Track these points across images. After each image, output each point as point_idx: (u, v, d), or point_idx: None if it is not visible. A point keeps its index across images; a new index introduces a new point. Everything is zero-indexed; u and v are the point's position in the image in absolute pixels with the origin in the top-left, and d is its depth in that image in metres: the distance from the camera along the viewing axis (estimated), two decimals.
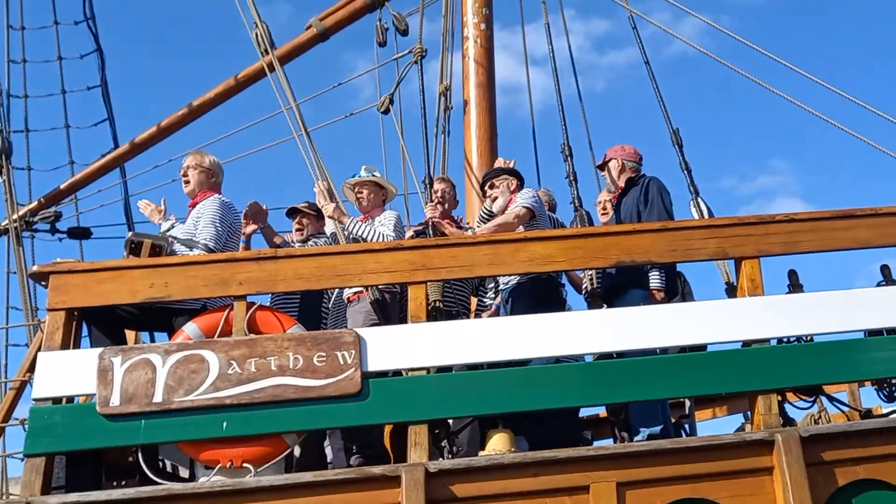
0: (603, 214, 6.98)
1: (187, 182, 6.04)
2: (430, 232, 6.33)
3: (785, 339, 4.90)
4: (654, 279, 5.93)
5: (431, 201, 6.70)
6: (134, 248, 5.36)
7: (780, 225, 5.07)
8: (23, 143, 9.58)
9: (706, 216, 6.65)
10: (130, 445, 4.70)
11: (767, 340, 4.84)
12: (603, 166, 6.64)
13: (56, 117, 10.14)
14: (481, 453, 5.13)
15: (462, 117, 8.99)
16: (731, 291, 6.28)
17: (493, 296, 6.76)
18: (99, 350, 4.69)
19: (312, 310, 6.53)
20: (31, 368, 4.98)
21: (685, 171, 7.01)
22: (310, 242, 6.94)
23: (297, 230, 7.14)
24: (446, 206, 6.89)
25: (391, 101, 8.49)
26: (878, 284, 5.24)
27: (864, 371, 4.98)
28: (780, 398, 4.82)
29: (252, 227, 6.79)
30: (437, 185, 6.96)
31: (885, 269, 5.31)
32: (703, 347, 5.21)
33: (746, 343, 4.86)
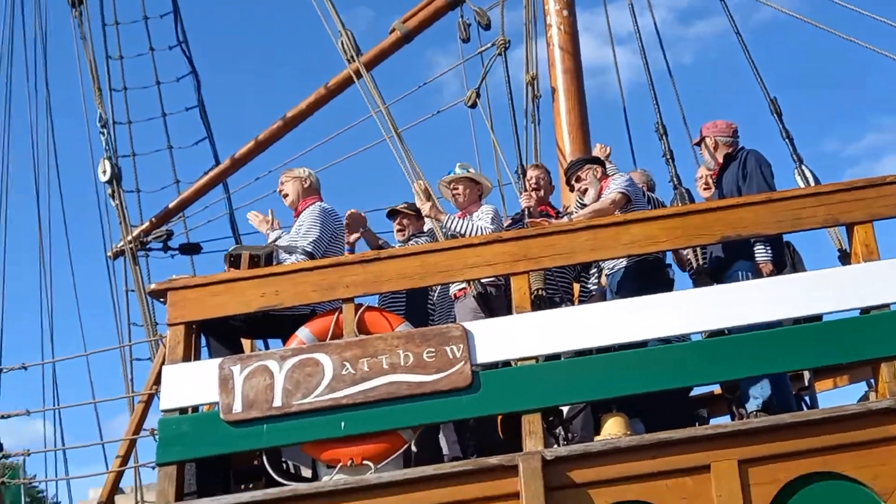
0: (705, 190, 6.84)
1: (286, 196, 6.27)
2: (527, 221, 6.33)
3: None
4: (760, 252, 5.78)
5: (526, 190, 6.69)
6: (233, 262, 5.53)
7: (893, 187, 4.89)
8: (130, 167, 9.96)
9: (812, 184, 6.45)
10: (254, 449, 4.87)
11: (887, 306, 4.68)
12: (700, 143, 6.52)
13: (159, 139, 10.48)
14: (597, 438, 5.12)
15: (551, 105, 8.94)
16: (845, 258, 6.07)
17: (595, 281, 6.70)
18: (219, 360, 4.87)
19: (418, 307, 6.59)
20: (157, 381, 5.22)
21: (786, 140, 6.81)
22: (411, 242, 7.03)
23: (399, 231, 7.23)
24: (542, 192, 6.87)
25: (478, 95, 8.50)
26: None
27: None
28: None
29: (354, 235, 6.92)
30: (531, 173, 6.95)
31: None
32: (818, 318, 5.06)
33: (865, 310, 4.70)
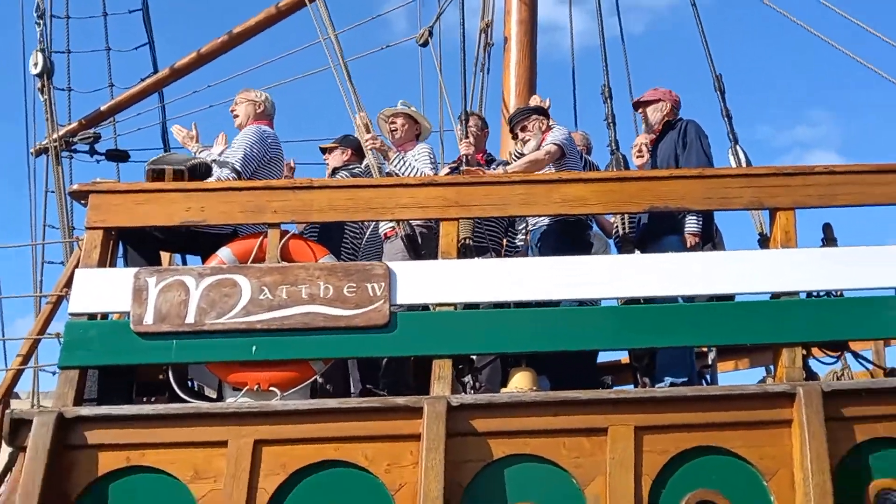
0: (638, 157, 6.93)
1: (236, 116, 6.19)
2: (463, 169, 6.32)
3: (814, 294, 4.87)
4: (691, 223, 5.90)
5: (466, 137, 6.68)
6: (156, 176, 5.38)
7: (819, 177, 5.02)
8: (64, 64, 9.62)
9: (744, 165, 6.56)
10: (162, 364, 4.82)
11: (797, 293, 4.82)
12: (639, 105, 6.56)
13: (97, 39, 10.16)
14: (503, 390, 5.21)
15: (502, 55, 8.90)
16: (764, 242, 6.23)
17: (522, 238, 6.76)
18: (135, 270, 4.79)
19: (332, 241, 6.44)
20: (68, 284, 5.10)
21: (725, 119, 6.89)
22: (337, 175, 6.94)
23: (329, 163, 7.13)
24: (472, 141, 6.86)
25: (430, 35, 8.42)
26: None
27: (892, 330, 4.95)
28: (804, 352, 4.80)
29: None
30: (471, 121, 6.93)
31: None
32: (731, 297, 5.20)
33: (775, 295, 4.84)
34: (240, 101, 6.20)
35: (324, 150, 7.23)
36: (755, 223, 6.67)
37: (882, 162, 5.09)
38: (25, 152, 9.29)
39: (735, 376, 7.49)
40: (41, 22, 8.60)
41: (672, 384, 5.35)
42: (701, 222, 5.91)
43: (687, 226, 5.92)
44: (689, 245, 5.86)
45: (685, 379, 5.50)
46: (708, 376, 6.54)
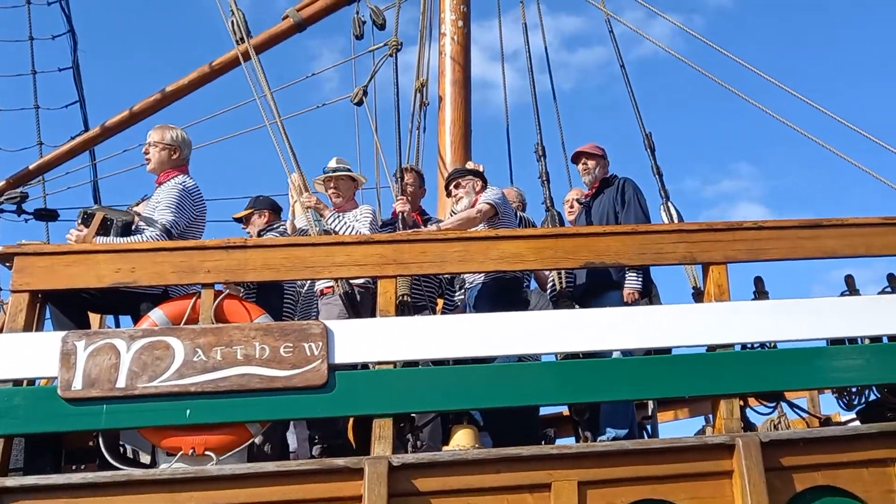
0: (570, 213, 7.04)
1: (148, 160, 5.83)
2: (400, 226, 6.33)
3: (749, 345, 4.96)
4: (632, 280, 5.98)
5: (403, 194, 6.69)
6: (85, 220, 5.29)
7: (748, 232, 5.14)
8: None
9: (676, 221, 6.70)
10: (91, 430, 4.65)
11: (732, 346, 4.90)
12: (580, 157, 6.66)
13: (26, 97, 10.00)
14: (445, 448, 5.15)
15: (437, 113, 8.99)
16: (698, 296, 6.35)
17: (461, 294, 6.77)
18: (62, 333, 4.64)
19: (269, 298, 6.36)
20: None
21: (656, 176, 7.06)
22: (265, 234, 6.85)
23: (249, 230, 7.03)
24: (409, 197, 6.89)
25: (365, 93, 8.45)
26: (842, 294, 5.33)
27: (825, 379, 5.05)
28: (742, 403, 4.89)
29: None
30: (406, 177, 6.95)
31: (849, 280, 5.39)
32: (667, 350, 5.26)
33: (711, 347, 4.91)
34: (154, 144, 5.82)
35: (239, 220, 7.11)
36: (689, 277, 6.80)
37: (807, 216, 5.25)
38: None
39: (675, 426, 7.56)
40: None
41: (614, 437, 5.35)
42: (641, 279, 6.00)
43: (627, 282, 6.01)
44: (629, 301, 5.93)
45: (626, 431, 5.52)
46: (649, 427, 6.57)
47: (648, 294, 6.29)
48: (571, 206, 7.06)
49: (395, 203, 6.60)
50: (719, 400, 4.81)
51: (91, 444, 4.83)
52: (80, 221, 5.36)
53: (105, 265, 4.85)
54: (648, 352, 5.22)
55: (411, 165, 7.25)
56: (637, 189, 6.24)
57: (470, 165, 7.14)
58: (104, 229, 5.33)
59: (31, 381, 4.75)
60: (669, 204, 6.78)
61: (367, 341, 4.80)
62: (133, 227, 5.48)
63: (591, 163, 6.60)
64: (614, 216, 6.13)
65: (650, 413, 6.59)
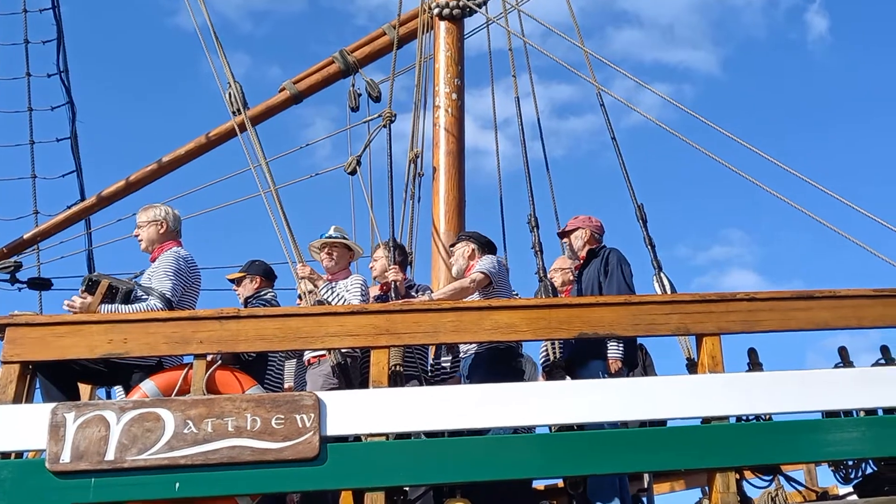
0: (553, 281, 7.07)
1: (140, 240, 5.94)
2: (393, 296, 6.33)
3: (744, 417, 4.93)
4: (612, 349, 5.98)
5: (395, 264, 6.71)
6: (90, 287, 5.27)
7: (741, 303, 5.14)
8: None
9: (669, 291, 6.72)
10: None
11: (727, 418, 4.86)
12: (564, 234, 6.72)
13: (23, 167, 10.09)
14: None
15: (431, 183, 9.07)
16: (692, 367, 6.33)
17: (447, 358, 6.71)
18: (52, 405, 4.59)
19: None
20: None
21: (649, 247, 7.10)
22: (249, 304, 6.84)
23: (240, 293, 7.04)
24: (375, 272, 6.92)
25: (359, 163, 8.53)
26: (836, 366, 5.31)
27: (821, 452, 5.00)
28: (738, 476, 4.83)
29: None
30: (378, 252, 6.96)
31: (842, 351, 5.38)
32: (662, 422, 5.23)
33: (706, 420, 4.88)
34: (141, 225, 5.94)
35: (233, 281, 7.14)
36: (683, 348, 6.79)
37: (800, 282, 5.29)
38: None
39: (672, 498, 7.46)
40: None
41: None
42: (622, 347, 6.00)
43: (609, 351, 6.00)
44: (613, 370, 5.92)
45: (616, 502, 5.45)
46: (644, 499, 6.49)
47: (635, 364, 6.28)
48: (553, 277, 7.10)
49: (387, 272, 6.61)
50: (715, 473, 4.75)
51: None
52: (83, 289, 5.35)
53: (98, 336, 4.83)
54: (643, 423, 5.18)
55: (385, 242, 7.18)
56: (621, 259, 6.28)
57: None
58: (109, 297, 5.32)
59: (20, 454, 4.68)
60: (662, 275, 6.80)
61: (359, 413, 4.76)
62: (133, 296, 5.47)
63: (573, 237, 6.65)
64: (598, 286, 6.15)
65: (646, 485, 6.51)
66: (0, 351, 4.83)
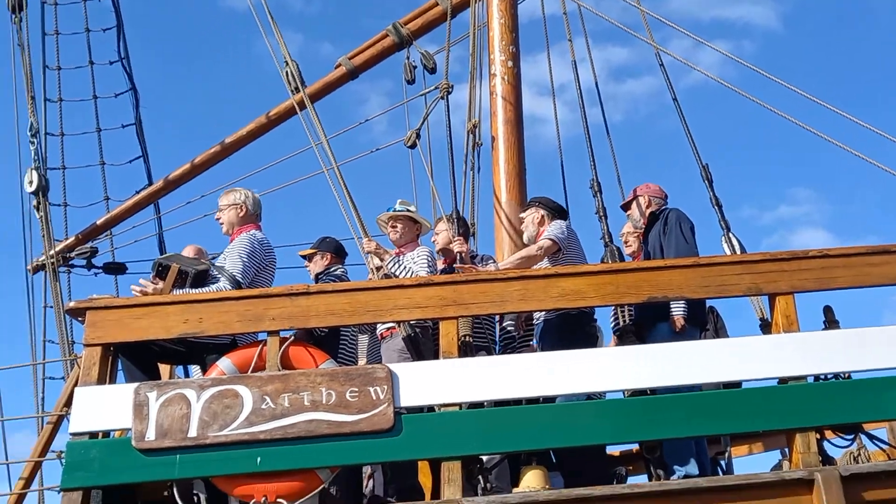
0: (626, 246, 6.99)
1: (221, 224, 6.07)
2: (457, 266, 6.33)
3: (822, 377, 4.84)
4: (678, 308, 5.89)
5: (459, 236, 6.71)
6: (161, 271, 5.39)
7: (814, 261, 5.04)
8: (59, 180, 9.76)
9: (738, 252, 6.61)
10: (165, 480, 4.72)
11: (804, 377, 4.79)
12: (627, 206, 6.64)
13: (92, 154, 10.33)
14: (515, 490, 5.10)
15: (490, 153, 9.02)
16: (766, 328, 6.23)
17: (511, 320, 6.67)
18: (135, 385, 4.73)
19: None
20: (68, 403, 5.04)
21: (716, 207, 6.99)
22: (320, 281, 6.92)
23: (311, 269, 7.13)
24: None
25: (418, 136, 8.54)
26: None
27: None
28: (818, 436, 4.75)
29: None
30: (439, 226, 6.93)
31: None
32: (737, 384, 5.17)
33: (783, 380, 4.81)
34: (222, 208, 6.08)
35: (304, 258, 7.24)
36: (755, 309, 6.68)
37: (874, 241, 5.14)
38: (23, 269, 9.31)
39: (750, 461, 7.38)
40: (34, 140, 8.72)
41: (685, 475, 5.25)
42: (685, 305, 5.91)
43: (673, 309, 5.91)
44: (677, 328, 5.83)
45: (694, 466, 5.41)
46: (723, 463, 6.44)
47: (704, 324, 6.19)
48: (627, 241, 7.01)
49: (451, 244, 6.62)
50: (795, 434, 4.69)
51: (165, 493, 4.89)
52: (154, 274, 5.46)
53: (173, 316, 4.95)
54: (718, 387, 5.13)
55: (447, 214, 7.08)
56: (680, 216, 6.18)
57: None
58: (180, 281, 5.44)
59: (106, 434, 4.83)
60: (731, 235, 6.69)
61: (431, 384, 4.80)
62: (207, 276, 5.57)
63: (633, 207, 6.56)
64: (660, 248, 6.07)
65: (723, 448, 6.45)
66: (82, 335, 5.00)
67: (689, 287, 5.07)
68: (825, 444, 4.82)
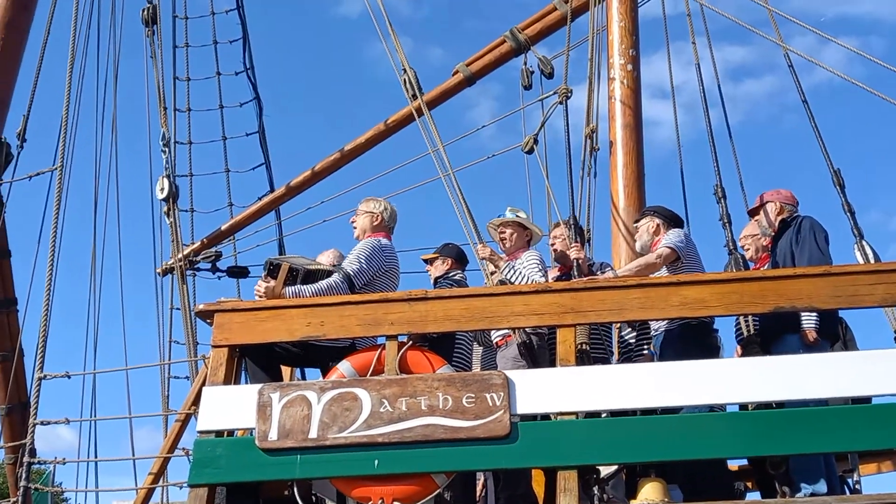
0: (746, 250, 6.76)
1: (355, 227, 6.22)
2: (576, 273, 6.27)
3: None
4: (808, 320, 5.65)
5: (576, 242, 6.64)
6: (272, 270, 5.53)
7: None
8: (187, 187, 10.16)
9: (872, 260, 6.32)
10: (287, 479, 4.84)
11: None
12: (755, 211, 6.41)
13: (217, 162, 10.72)
14: (633, 502, 5.01)
15: (608, 158, 8.91)
16: None
17: (631, 332, 6.56)
18: (259, 386, 4.88)
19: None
20: (196, 402, 5.24)
21: (848, 213, 6.69)
22: (439, 285, 6.96)
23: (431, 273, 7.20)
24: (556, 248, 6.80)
25: (535, 142, 8.50)
26: None
27: None
28: None
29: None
30: (557, 231, 6.86)
31: None
32: (867, 399, 4.94)
33: None
34: (359, 213, 6.23)
35: (426, 262, 7.31)
36: (890, 321, 6.36)
37: None
38: (152, 272, 9.73)
39: (879, 480, 7.03)
40: (166, 150, 9.11)
41: (812, 493, 5.04)
42: (816, 317, 5.66)
43: (804, 322, 5.67)
44: (809, 341, 5.60)
45: (820, 486, 5.18)
46: (850, 481, 6.15)
47: (837, 338, 5.92)
48: (745, 246, 6.79)
49: (569, 250, 6.56)
50: None
51: (286, 493, 5.01)
52: (265, 274, 5.62)
53: (296, 319, 5.09)
54: (846, 401, 4.91)
55: (565, 220, 7.03)
56: (815, 224, 5.92)
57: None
58: (290, 279, 5.58)
59: (231, 432, 5.00)
60: (864, 243, 6.40)
61: (548, 391, 4.78)
62: (319, 274, 5.68)
63: (763, 212, 6.33)
64: (791, 256, 5.84)
65: (851, 466, 6.17)
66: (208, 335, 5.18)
67: (818, 297, 4.88)
68: None
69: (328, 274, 5.69)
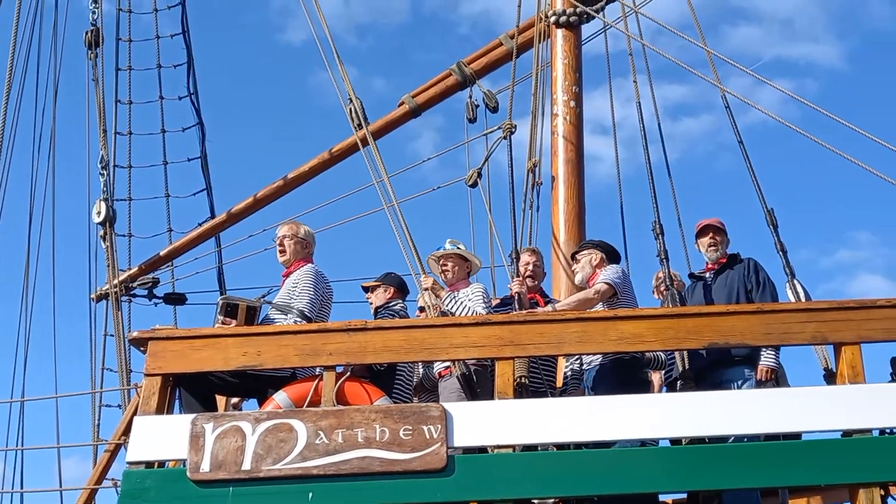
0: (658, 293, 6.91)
1: (283, 252, 6.09)
2: (517, 307, 6.30)
3: (888, 431, 4.69)
4: (768, 357, 5.71)
5: (518, 275, 6.69)
6: (230, 311, 5.46)
7: (882, 310, 4.90)
8: (125, 212, 9.99)
9: (803, 299, 6.46)
10: None
11: (869, 431, 4.64)
12: (708, 230, 6.45)
13: (157, 187, 10.57)
14: None
15: (549, 192, 9.00)
16: (830, 378, 6.06)
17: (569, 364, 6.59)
18: (192, 416, 4.79)
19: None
20: (127, 431, 5.12)
21: (780, 252, 6.84)
22: (379, 315, 6.94)
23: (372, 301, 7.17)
24: (535, 279, 6.86)
25: (479, 175, 8.57)
26: None
27: None
28: (882, 492, 4.59)
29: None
30: (527, 258, 6.93)
31: None
32: (797, 436, 5.03)
33: (847, 433, 4.67)
34: (288, 236, 6.11)
35: (366, 289, 7.27)
36: (819, 358, 6.51)
37: None
38: (86, 298, 9.53)
39: None
40: (104, 172, 8.97)
41: None
42: (775, 355, 5.72)
43: (764, 359, 5.72)
44: (762, 378, 5.67)
45: None
46: None
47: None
48: (659, 287, 6.93)
49: (510, 284, 6.59)
50: (858, 489, 4.54)
51: None
52: (223, 314, 5.53)
53: (233, 349, 5.01)
54: (777, 437, 5.00)
55: (534, 248, 7.23)
56: (764, 270, 6.09)
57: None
58: (249, 318, 5.52)
59: (162, 464, 4.89)
60: (795, 282, 6.54)
61: (485, 424, 4.77)
62: (259, 314, 5.64)
63: (719, 237, 6.42)
64: (745, 295, 5.95)
65: (781, 501, 6.26)
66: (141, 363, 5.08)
67: (751, 334, 4.97)
68: (889, 500, 4.67)
69: (279, 311, 5.64)
